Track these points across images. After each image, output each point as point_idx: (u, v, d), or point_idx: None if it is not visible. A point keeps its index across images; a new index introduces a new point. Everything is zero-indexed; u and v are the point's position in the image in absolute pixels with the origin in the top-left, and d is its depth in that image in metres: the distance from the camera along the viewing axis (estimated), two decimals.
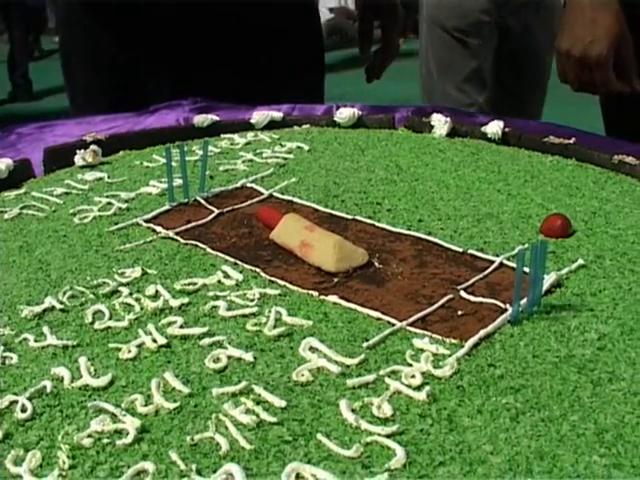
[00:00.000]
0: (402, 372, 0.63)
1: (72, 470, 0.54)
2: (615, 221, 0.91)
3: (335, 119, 1.29)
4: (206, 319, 0.72)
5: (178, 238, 0.88)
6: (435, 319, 0.72)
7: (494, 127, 1.19)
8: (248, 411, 0.59)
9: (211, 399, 0.61)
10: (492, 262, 0.82)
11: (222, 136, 1.25)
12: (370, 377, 0.63)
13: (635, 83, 1.29)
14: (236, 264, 0.82)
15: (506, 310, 0.72)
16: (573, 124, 1.35)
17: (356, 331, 0.70)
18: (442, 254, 0.84)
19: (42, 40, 7.36)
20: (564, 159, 1.12)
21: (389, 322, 0.71)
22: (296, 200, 0.99)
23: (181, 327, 0.71)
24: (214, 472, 0.53)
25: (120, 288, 0.78)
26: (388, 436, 0.56)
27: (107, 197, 1.01)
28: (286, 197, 1.00)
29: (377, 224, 0.91)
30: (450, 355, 0.66)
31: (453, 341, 0.68)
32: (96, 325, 0.71)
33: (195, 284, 0.78)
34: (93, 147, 1.13)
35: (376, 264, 0.82)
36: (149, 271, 0.81)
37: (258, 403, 0.60)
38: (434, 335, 0.69)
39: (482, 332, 0.68)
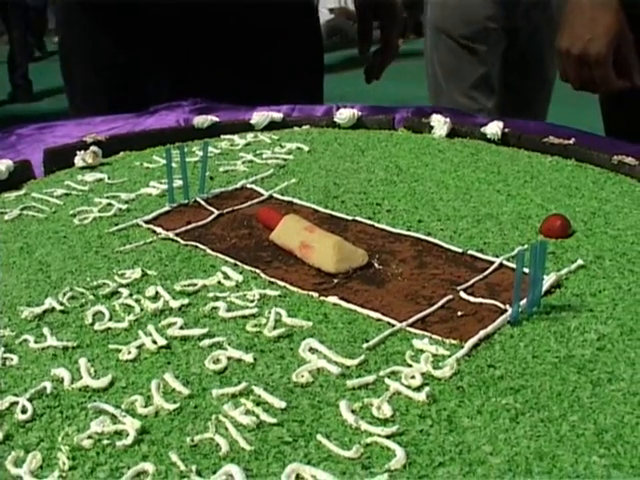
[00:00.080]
0: (402, 373, 0.63)
1: (72, 471, 0.54)
2: (614, 221, 0.91)
3: (335, 120, 1.29)
4: (206, 320, 0.72)
5: (178, 239, 0.89)
6: (435, 320, 0.72)
7: (493, 128, 1.19)
8: (248, 412, 0.59)
9: (211, 400, 0.61)
10: (492, 263, 0.82)
11: (222, 137, 1.25)
12: (370, 378, 0.63)
13: (636, 79, 1.29)
14: (236, 265, 0.82)
15: (506, 311, 0.72)
16: (573, 124, 1.35)
17: (356, 332, 0.70)
18: (442, 255, 0.85)
19: (44, 41, 7.36)
20: (563, 159, 1.12)
21: (389, 323, 0.71)
22: (296, 201, 0.99)
23: (181, 328, 0.71)
24: (214, 473, 0.53)
25: (120, 289, 0.78)
26: (388, 437, 0.56)
27: (107, 198, 1.01)
28: (286, 198, 1.00)
29: (377, 225, 0.92)
30: (450, 356, 0.66)
31: (453, 342, 0.68)
32: (96, 326, 0.72)
33: (195, 285, 0.78)
34: (93, 148, 1.13)
35: (376, 265, 0.82)
36: (149, 272, 0.81)
37: (258, 404, 0.60)
38: (434, 336, 0.69)
39: (482, 333, 0.68)
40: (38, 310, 0.74)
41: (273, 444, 0.56)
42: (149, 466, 0.54)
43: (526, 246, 0.83)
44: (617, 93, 1.35)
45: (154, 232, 0.91)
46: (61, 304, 0.75)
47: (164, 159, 1.00)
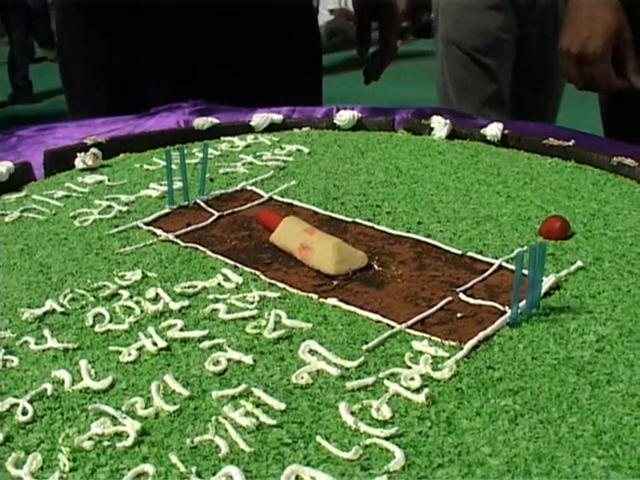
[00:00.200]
0: (401, 374, 0.63)
1: (73, 473, 0.54)
2: (614, 223, 0.91)
3: (335, 121, 1.29)
4: (206, 322, 0.73)
5: (178, 241, 0.89)
6: (434, 321, 0.72)
7: (493, 129, 1.19)
8: (248, 414, 0.59)
9: (211, 402, 0.61)
10: (491, 264, 0.82)
11: (222, 139, 1.25)
12: (369, 380, 0.63)
13: (633, 79, 1.30)
14: (236, 267, 0.83)
15: (505, 312, 0.72)
16: (572, 126, 1.35)
17: (355, 334, 0.70)
18: (441, 256, 0.85)
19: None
20: (563, 161, 1.12)
21: (388, 325, 0.71)
22: (296, 203, 0.99)
23: (181, 330, 0.71)
24: (214, 474, 0.53)
25: (120, 291, 0.78)
26: (387, 438, 0.56)
27: (107, 200, 1.01)
28: (286, 200, 1.00)
29: (376, 227, 0.92)
30: (449, 357, 0.66)
31: (452, 343, 0.68)
32: (96, 328, 0.72)
33: (195, 287, 0.78)
34: (93, 150, 1.14)
35: (375, 267, 0.82)
36: (149, 274, 0.81)
37: (258, 406, 0.60)
38: (433, 337, 0.69)
39: (481, 334, 0.69)
40: (38, 312, 0.74)
41: (273, 445, 0.56)
42: (149, 467, 0.54)
43: (525, 248, 0.83)
44: (617, 93, 1.35)
45: (154, 234, 0.91)
46: (61, 306, 0.75)
47: (164, 161, 1.00)
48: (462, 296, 0.76)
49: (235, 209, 0.98)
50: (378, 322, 0.72)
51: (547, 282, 0.76)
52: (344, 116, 1.28)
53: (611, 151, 1.09)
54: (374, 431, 0.57)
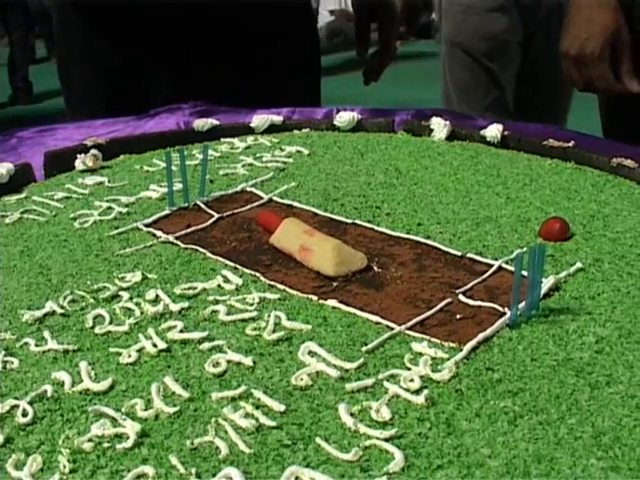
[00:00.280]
0: (401, 376, 0.64)
1: (73, 474, 0.54)
2: (614, 224, 0.92)
3: (335, 123, 1.29)
4: (206, 323, 0.73)
5: (178, 242, 0.89)
6: (434, 323, 0.72)
7: (493, 130, 1.19)
8: (247, 415, 0.59)
9: (211, 403, 0.61)
10: (491, 266, 0.82)
11: (222, 140, 1.25)
12: (369, 381, 0.63)
13: (626, 81, 1.30)
14: (236, 268, 0.83)
15: (504, 314, 0.72)
16: (572, 127, 1.36)
17: (355, 335, 0.70)
18: (441, 258, 0.85)
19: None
20: (563, 162, 1.12)
21: (388, 326, 0.71)
22: (296, 204, 0.99)
23: (181, 331, 0.71)
24: (213, 476, 0.54)
25: (120, 292, 0.78)
26: (387, 440, 0.56)
27: (107, 201, 1.01)
28: (286, 201, 1.00)
29: (376, 228, 0.92)
30: (448, 359, 0.66)
31: (452, 345, 0.68)
32: (96, 329, 0.72)
33: (195, 288, 0.78)
34: (93, 151, 1.14)
35: (375, 268, 0.83)
36: (149, 275, 0.81)
37: (257, 407, 0.60)
38: (433, 339, 0.69)
39: (480, 336, 0.69)
40: (39, 313, 0.74)
41: (272, 447, 0.56)
42: (149, 469, 0.54)
43: (525, 249, 0.83)
44: (616, 95, 1.35)
45: (154, 235, 0.91)
46: (62, 307, 0.76)
47: (164, 162, 1.00)
48: (462, 297, 0.76)
49: (235, 210, 0.98)
50: (378, 323, 0.72)
51: (546, 283, 0.76)
52: (344, 117, 1.28)
53: (611, 152, 1.10)
54: (374, 432, 0.57)
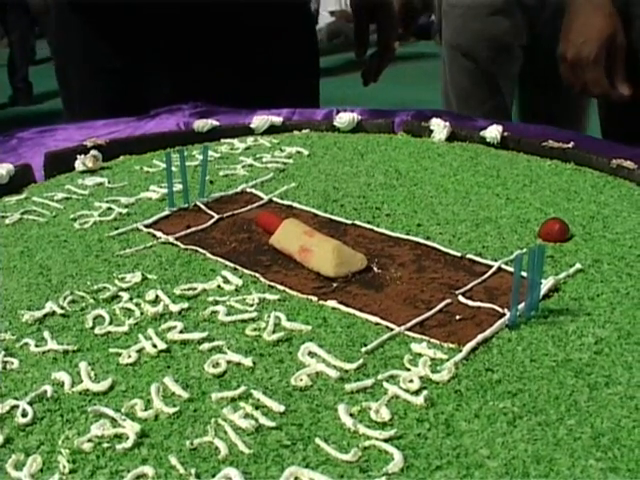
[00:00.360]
0: (400, 377, 0.64)
1: (72, 474, 0.54)
2: (613, 225, 0.92)
3: (335, 124, 1.29)
4: (206, 324, 0.73)
5: (178, 243, 0.89)
6: (433, 324, 0.72)
7: (493, 131, 1.19)
8: (247, 416, 0.59)
9: (210, 404, 0.61)
10: (490, 267, 0.82)
11: (222, 141, 1.25)
12: (368, 382, 0.63)
13: (619, 85, 1.32)
14: (236, 269, 0.83)
15: (504, 315, 0.72)
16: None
17: (355, 336, 0.70)
18: (440, 259, 0.85)
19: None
20: (563, 163, 1.12)
21: (387, 327, 0.71)
22: (295, 205, 0.99)
23: (181, 332, 0.71)
24: (213, 476, 0.54)
25: (120, 293, 0.78)
26: (386, 440, 0.57)
27: (107, 202, 1.01)
28: (285, 202, 1.00)
29: (376, 229, 0.92)
30: (448, 360, 0.66)
31: (451, 346, 0.68)
32: (96, 330, 0.72)
33: (195, 289, 0.79)
34: (93, 152, 1.14)
35: (375, 269, 0.83)
36: (149, 276, 0.82)
37: (257, 408, 0.60)
38: (432, 340, 0.69)
39: (480, 337, 0.69)
40: (39, 314, 0.74)
41: (272, 447, 0.56)
42: (149, 469, 0.54)
43: (525, 250, 0.83)
44: (612, 99, 1.36)
45: (154, 236, 0.91)
46: (61, 308, 0.76)
47: (164, 163, 1.00)
48: (461, 298, 0.76)
49: (235, 211, 0.98)
50: (377, 324, 0.72)
51: (546, 284, 0.76)
52: (344, 118, 1.28)
53: (610, 153, 1.10)
54: (373, 433, 0.57)
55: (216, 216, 0.96)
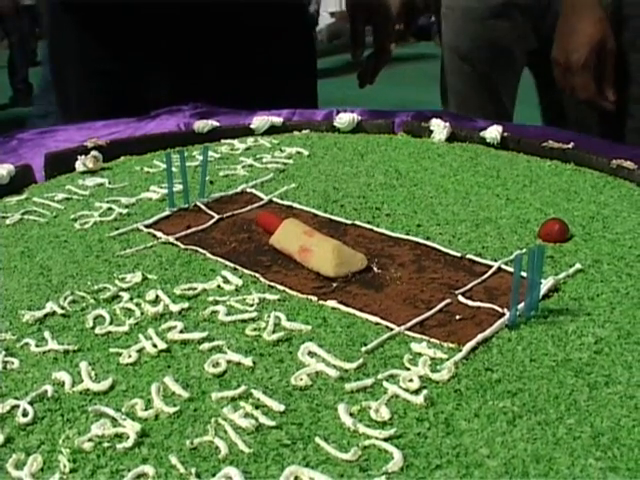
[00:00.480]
0: (400, 376, 0.64)
1: (73, 474, 0.54)
2: (613, 225, 0.92)
3: (335, 124, 1.29)
4: (206, 324, 0.73)
5: (178, 243, 0.89)
6: (433, 323, 0.72)
7: (493, 132, 1.19)
8: (247, 415, 0.59)
9: (210, 403, 0.61)
10: (490, 267, 0.82)
11: (222, 141, 1.25)
12: (368, 381, 0.63)
13: (606, 90, 1.34)
14: (236, 269, 0.83)
15: (504, 314, 0.72)
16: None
17: (355, 336, 0.70)
18: (440, 259, 0.85)
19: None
20: (563, 163, 1.12)
21: (387, 327, 0.71)
22: (295, 205, 0.99)
23: (181, 332, 0.71)
24: (213, 475, 0.54)
25: (121, 293, 0.78)
26: (386, 439, 0.57)
27: (108, 202, 1.01)
28: (285, 202, 1.00)
29: (376, 229, 0.92)
30: (448, 359, 0.66)
31: (451, 345, 0.68)
32: (97, 330, 0.72)
33: (195, 289, 0.79)
34: (94, 153, 1.14)
35: (375, 269, 0.83)
36: (149, 276, 0.82)
37: (257, 407, 0.60)
38: (432, 339, 0.69)
39: (480, 336, 0.69)
40: (39, 314, 0.74)
41: (272, 447, 0.56)
42: (149, 469, 0.54)
43: (524, 250, 0.83)
44: (597, 105, 1.39)
45: (154, 236, 0.91)
46: (62, 308, 0.76)
47: (164, 164, 1.00)
48: (461, 298, 0.76)
49: (235, 211, 0.98)
50: (377, 324, 0.72)
51: (546, 284, 0.76)
52: (344, 119, 1.28)
53: (610, 154, 1.10)
54: (373, 432, 0.57)
55: (216, 216, 0.96)
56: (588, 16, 1.33)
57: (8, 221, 0.96)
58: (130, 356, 0.68)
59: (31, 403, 0.62)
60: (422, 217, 0.95)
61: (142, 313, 0.75)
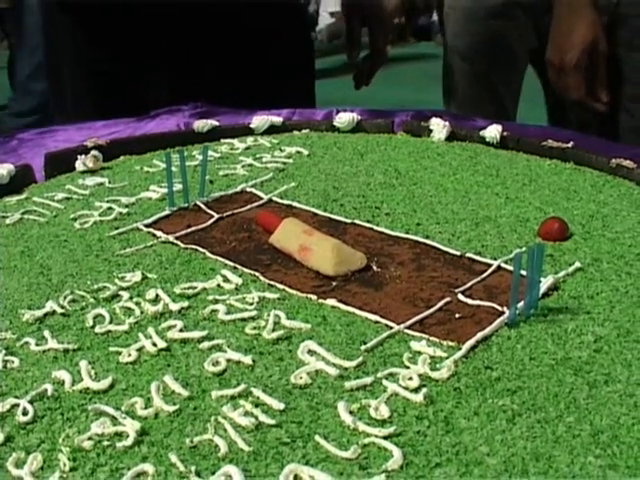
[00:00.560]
0: (400, 374, 0.64)
1: (73, 472, 0.54)
2: (612, 224, 0.92)
3: (334, 124, 1.29)
4: (205, 323, 0.73)
5: (178, 242, 0.89)
6: (433, 322, 0.72)
7: (492, 131, 1.19)
8: (247, 413, 0.59)
9: (210, 402, 0.61)
10: (490, 265, 0.82)
11: (222, 141, 1.25)
12: (368, 379, 0.63)
13: (599, 92, 1.35)
14: (235, 268, 0.83)
15: (503, 313, 0.72)
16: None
17: (354, 334, 0.70)
18: (440, 257, 0.85)
19: None
20: (562, 163, 1.12)
21: (387, 325, 0.71)
22: (295, 204, 0.99)
23: (181, 331, 0.71)
24: (213, 474, 0.54)
25: (120, 292, 0.78)
26: (385, 438, 0.57)
27: (108, 202, 1.01)
28: (285, 201, 1.00)
29: (376, 228, 0.92)
30: (447, 357, 0.66)
31: (450, 344, 0.68)
32: (97, 329, 0.72)
33: (195, 288, 0.79)
34: (94, 152, 1.14)
35: (374, 268, 0.83)
36: (149, 275, 0.82)
37: (257, 405, 0.60)
38: (432, 338, 0.69)
39: (479, 335, 0.69)
40: (39, 313, 0.75)
41: (271, 445, 0.56)
42: (149, 467, 0.54)
43: (524, 249, 0.83)
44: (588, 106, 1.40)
45: (154, 236, 0.91)
46: (62, 307, 0.76)
47: (164, 163, 1.00)
48: (461, 297, 0.76)
49: (235, 211, 0.98)
50: (377, 322, 0.72)
51: (545, 283, 0.76)
52: (343, 118, 1.28)
53: (610, 153, 1.10)
54: (372, 430, 0.57)
55: (216, 215, 0.96)
56: (580, 18, 1.35)
57: (8, 221, 0.97)
58: (130, 355, 0.68)
59: (31, 402, 0.62)
60: (422, 216, 0.95)
61: (142, 312, 0.75)
